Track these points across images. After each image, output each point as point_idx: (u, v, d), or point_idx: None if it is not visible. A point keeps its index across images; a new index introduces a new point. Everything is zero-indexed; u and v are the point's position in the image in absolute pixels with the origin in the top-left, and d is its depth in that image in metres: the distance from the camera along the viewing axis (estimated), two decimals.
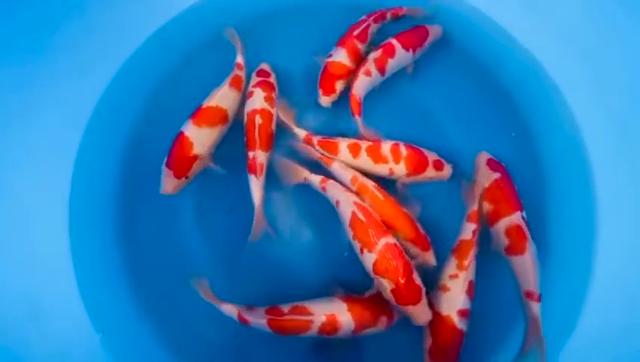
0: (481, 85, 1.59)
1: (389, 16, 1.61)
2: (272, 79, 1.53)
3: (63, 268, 1.39)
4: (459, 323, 1.22)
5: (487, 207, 1.35)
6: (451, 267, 1.28)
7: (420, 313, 1.21)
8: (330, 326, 1.23)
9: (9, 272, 1.33)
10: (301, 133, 1.44)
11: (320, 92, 1.50)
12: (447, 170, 1.42)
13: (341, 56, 1.51)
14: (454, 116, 1.55)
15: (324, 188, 1.37)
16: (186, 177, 1.35)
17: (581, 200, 1.45)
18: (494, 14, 1.62)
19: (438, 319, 1.24)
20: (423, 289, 1.22)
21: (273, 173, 1.44)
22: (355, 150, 1.39)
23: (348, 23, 1.59)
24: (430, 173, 1.40)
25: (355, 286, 1.32)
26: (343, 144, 1.40)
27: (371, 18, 1.57)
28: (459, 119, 1.55)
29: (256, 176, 1.37)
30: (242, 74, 1.50)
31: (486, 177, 1.38)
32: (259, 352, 1.37)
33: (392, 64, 1.51)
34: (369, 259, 1.22)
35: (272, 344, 1.34)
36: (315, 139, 1.43)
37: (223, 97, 1.42)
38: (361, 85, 1.48)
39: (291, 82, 1.59)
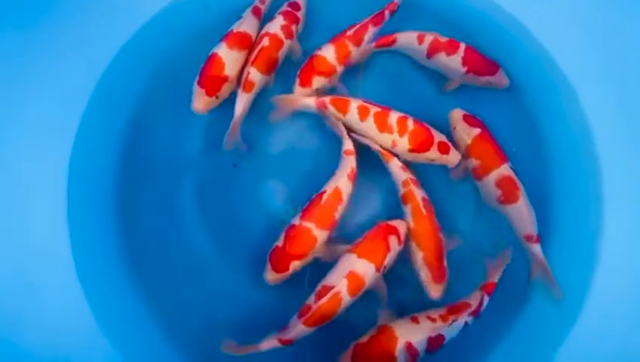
0: None
1: (387, 14, 1.52)
2: (300, 14, 1.52)
3: (60, 252, 1.35)
4: (399, 352, 1.16)
5: (473, 162, 1.36)
6: (435, 312, 1.23)
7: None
8: (357, 283, 1.19)
9: (4, 257, 1.30)
10: (311, 101, 1.42)
11: (297, 81, 1.46)
12: (454, 156, 1.38)
13: (328, 53, 1.45)
14: (461, 105, 1.50)
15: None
16: (216, 97, 1.40)
17: (588, 192, 1.44)
18: (505, 3, 1.58)
19: (385, 332, 1.20)
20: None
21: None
22: (363, 113, 1.37)
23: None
24: (433, 154, 1.36)
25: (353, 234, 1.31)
26: (354, 104, 1.39)
27: (371, 20, 1.49)
28: (465, 108, 1.49)
29: (242, 90, 1.40)
30: (263, 7, 1.54)
31: (466, 134, 1.38)
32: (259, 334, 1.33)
33: (442, 60, 1.46)
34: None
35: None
36: (327, 99, 1.41)
37: (248, 24, 1.48)
38: (408, 38, 1.47)
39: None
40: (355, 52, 1.47)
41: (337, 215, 1.31)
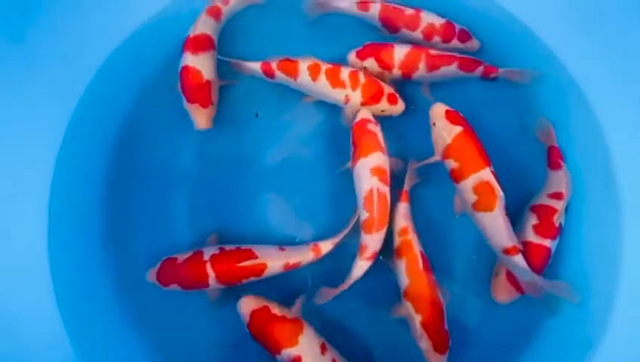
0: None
1: (479, 71, 1.43)
2: None
3: (39, 270, 1.31)
4: (284, 352, 1.16)
5: (452, 164, 1.26)
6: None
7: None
8: (381, 172, 1.25)
9: None
10: (256, 65, 1.41)
11: (357, 48, 1.43)
12: (400, 105, 1.41)
13: (399, 50, 1.40)
14: (459, 101, 1.40)
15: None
16: (212, 104, 1.41)
17: (603, 193, 1.36)
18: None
19: (296, 326, 1.19)
20: None
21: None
22: (314, 71, 1.37)
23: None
24: (383, 105, 1.39)
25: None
26: (304, 65, 1.37)
27: (462, 61, 1.41)
28: (465, 103, 1.39)
29: None
30: (224, 8, 1.50)
31: (447, 132, 1.27)
32: (248, 355, 1.28)
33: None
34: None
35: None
36: (274, 64, 1.39)
37: (203, 25, 1.46)
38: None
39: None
40: (424, 72, 1.41)
41: (245, 281, 1.25)
